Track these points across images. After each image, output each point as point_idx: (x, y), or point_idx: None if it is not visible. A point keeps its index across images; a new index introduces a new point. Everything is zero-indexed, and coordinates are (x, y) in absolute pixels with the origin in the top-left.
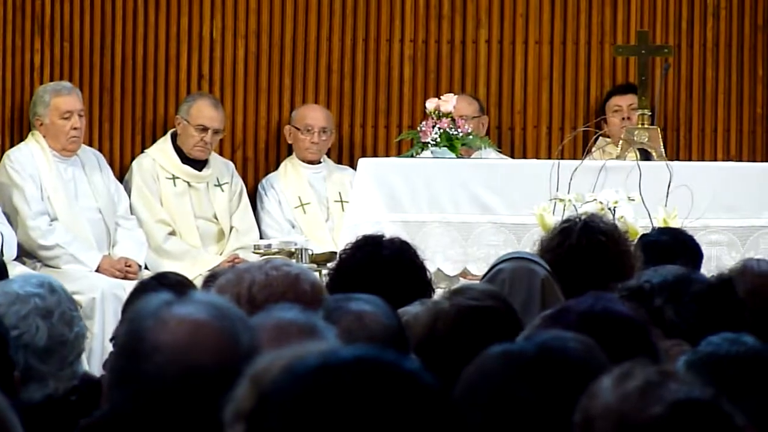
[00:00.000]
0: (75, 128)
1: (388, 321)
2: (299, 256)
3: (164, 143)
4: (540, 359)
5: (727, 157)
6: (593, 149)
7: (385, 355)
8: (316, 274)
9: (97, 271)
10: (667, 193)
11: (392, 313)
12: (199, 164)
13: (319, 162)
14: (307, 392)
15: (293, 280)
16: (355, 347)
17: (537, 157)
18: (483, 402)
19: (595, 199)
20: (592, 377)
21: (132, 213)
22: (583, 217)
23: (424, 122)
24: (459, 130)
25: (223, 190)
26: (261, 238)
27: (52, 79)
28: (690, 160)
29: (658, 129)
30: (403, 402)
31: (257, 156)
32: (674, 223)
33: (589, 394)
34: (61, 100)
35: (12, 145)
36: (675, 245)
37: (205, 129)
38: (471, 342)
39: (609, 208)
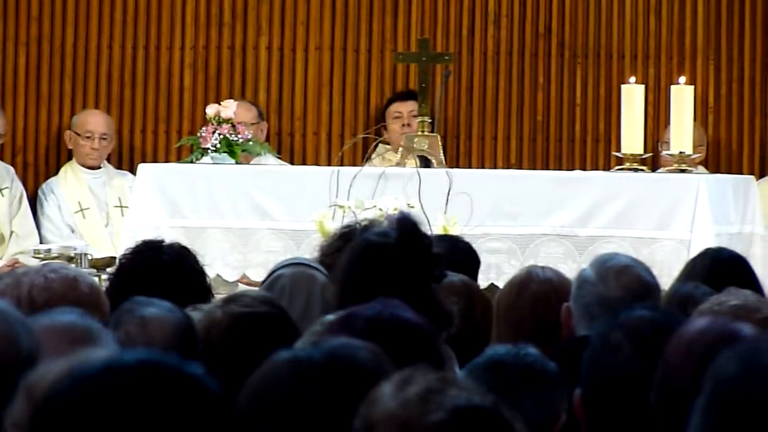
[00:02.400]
0: None
1: (175, 327)
2: (79, 260)
3: None
4: (328, 366)
5: (507, 165)
6: (373, 156)
7: (167, 359)
8: (96, 279)
9: None
10: (447, 200)
11: (183, 320)
12: None
13: (99, 167)
14: (88, 396)
15: (72, 283)
16: (138, 351)
17: (317, 164)
18: (270, 409)
19: (374, 206)
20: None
21: None
22: (363, 224)
23: (204, 128)
24: (239, 136)
25: (3, 195)
26: (41, 242)
27: None
28: (470, 167)
29: (438, 136)
30: (185, 407)
31: (37, 161)
32: (454, 231)
33: (369, 400)
34: None
35: None
36: (453, 252)
37: None
38: (246, 349)
39: (391, 214)
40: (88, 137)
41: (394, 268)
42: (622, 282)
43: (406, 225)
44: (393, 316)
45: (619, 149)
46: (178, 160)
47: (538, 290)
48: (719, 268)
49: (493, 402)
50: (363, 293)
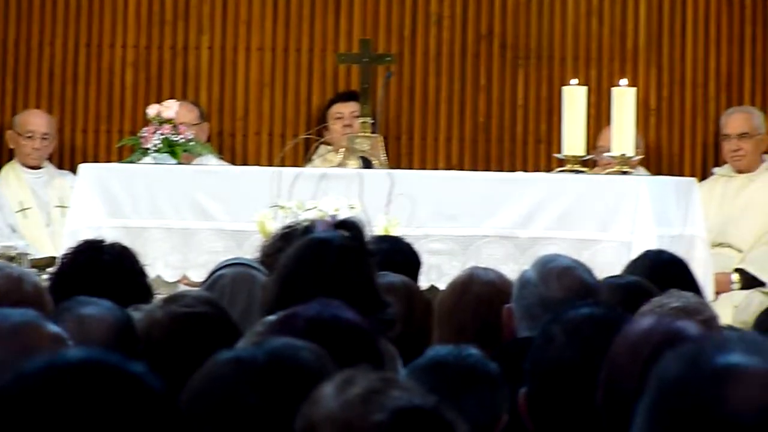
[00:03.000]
0: None
1: (113, 326)
2: (20, 260)
3: None
4: (271, 367)
5: (449, 166)
6: (314, 157)
7: (109, 357)
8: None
9: None
10: (388, 201)
11: (122, 318)
12: None
13: (41, 167)
14: (30, 395)
15: (16, 281)
16: (81, 350)
17: (258, 164)
18: (212, 409)
19: (316, 207)
20: None
21: None
22: (304, 224)
23: (145, 128)
24: (180, 136)
25: None
26: None
27: None
28: (411, 168)
29: (380, 137)
30: (128, 405)
31: None
32: (395, 231)
33: (311, 401)
34: None
35: None
36: (394, 253)
37: None
38: (187, 349)
39: (330, 216)
40: (29, 137)
41: (339, 267)
42: (564, 283)
43: (349, 226)
44: (333, 316)
45: (560, 151)
46: (120, 160)
47: (480, 292)
48: (660, 270)
49: (434, 403)
50: (306, 292)
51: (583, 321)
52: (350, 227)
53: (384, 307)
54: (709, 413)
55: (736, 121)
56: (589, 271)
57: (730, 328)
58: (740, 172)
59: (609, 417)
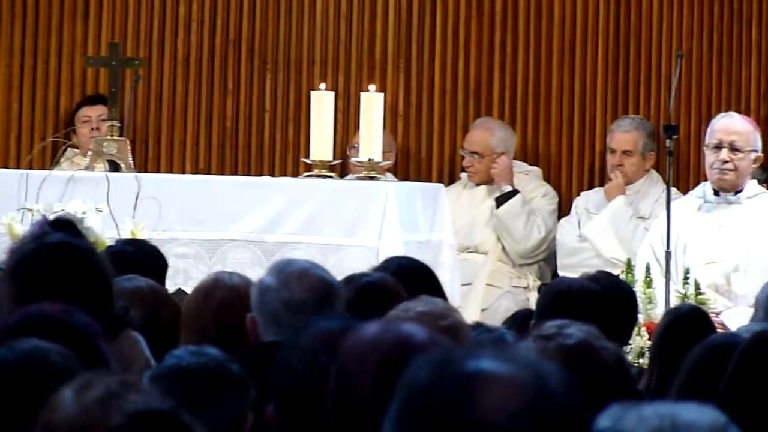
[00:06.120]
0: None
1: None
2: None
3: None
4: (21, 368)
5: (197, 170)
6: (62, 160)
7: None
8: None
9: None
10: (135, 204)
11: None
12: None
13: None
14: None
15: None
16: None
17: (6, 167)
18: None
19: (63, 210)
20: None
21: None
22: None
23: None
24: None
25: None
26: None
27: None
28: (159, 172)
29: (127, 140)
30: None
31: None
32: (142, 235)
33: (50, 406)
34: None
35: None
36: (139, 256)
37: None
38: None
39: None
40: None
41: (79, 270)
42: (305, 284)
43: (63, 224)
44: (47, 316)
45: (308, 156)
46: None
47: (223, 297)
48: (404, 276)
49: (172, 406)
50: (45, 295)
51: (320, 345)
52: (65, 225)
53: (124, 308)
54: (458, 419)
55: (473, 137)
56: (326, 270)
57: (479, 325)
58: (479, 185)
59: (340, 427)
